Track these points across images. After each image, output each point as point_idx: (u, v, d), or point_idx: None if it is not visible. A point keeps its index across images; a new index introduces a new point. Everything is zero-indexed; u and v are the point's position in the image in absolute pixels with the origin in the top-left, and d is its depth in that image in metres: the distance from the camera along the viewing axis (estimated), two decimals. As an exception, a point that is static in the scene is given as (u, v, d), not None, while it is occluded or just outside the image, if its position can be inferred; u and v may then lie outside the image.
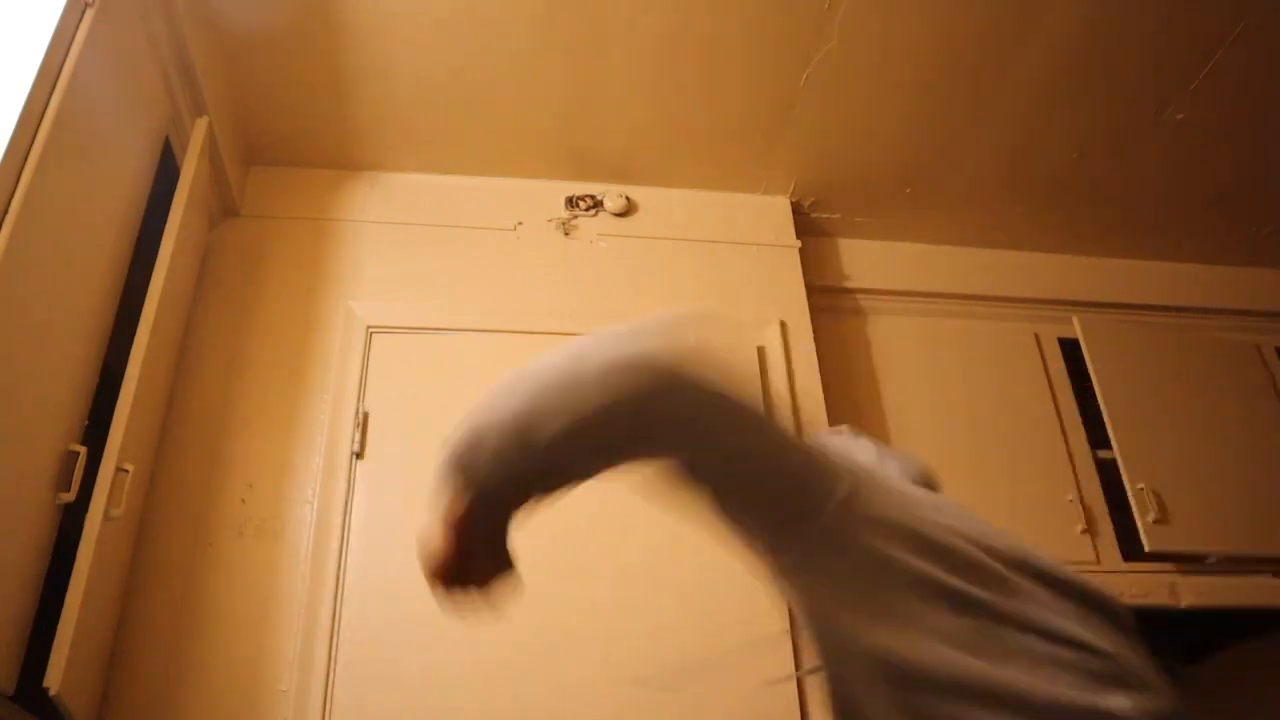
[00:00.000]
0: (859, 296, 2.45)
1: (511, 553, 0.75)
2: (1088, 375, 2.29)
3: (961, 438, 2.26)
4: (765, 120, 2.15)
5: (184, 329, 1.91)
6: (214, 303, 1.99)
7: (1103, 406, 2.24)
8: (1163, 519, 2.11)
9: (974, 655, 0.63)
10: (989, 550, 0.69)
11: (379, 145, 2.17)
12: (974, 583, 0.66)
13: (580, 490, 1.85)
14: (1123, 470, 2.15)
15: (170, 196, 1.72)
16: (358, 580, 1.71)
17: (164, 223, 1.69)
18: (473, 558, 0.74)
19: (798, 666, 1.74)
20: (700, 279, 2.20)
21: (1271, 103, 2.15)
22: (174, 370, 1.86)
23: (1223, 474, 2.26)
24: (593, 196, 2.27)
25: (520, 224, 2.21)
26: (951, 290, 2.49)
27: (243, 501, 1.78)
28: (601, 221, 2.26)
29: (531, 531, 1.90)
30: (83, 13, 1.42)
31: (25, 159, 1.26)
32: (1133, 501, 2.12)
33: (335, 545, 1.73)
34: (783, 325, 2.15)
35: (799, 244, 2.31)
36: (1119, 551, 2.18)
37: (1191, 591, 2.09)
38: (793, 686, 1.72)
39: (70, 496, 1.39)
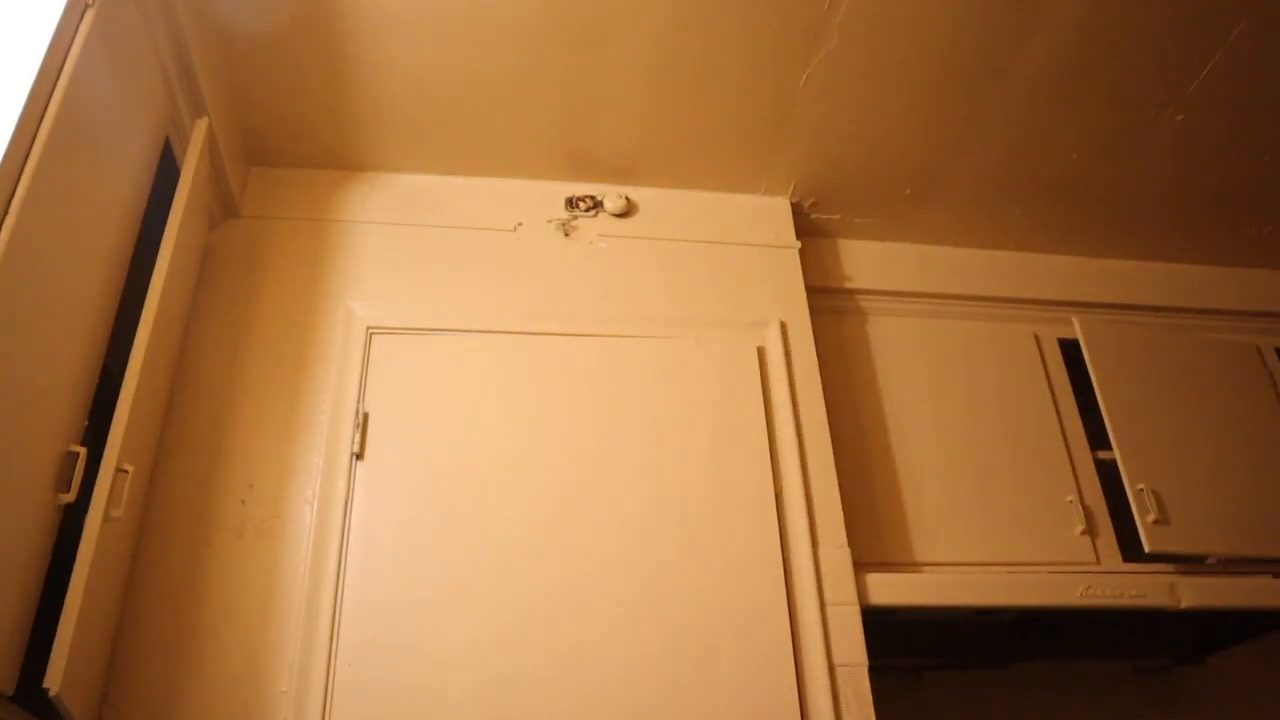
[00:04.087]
0: (859, 297, 2.45)
1: None
2: (1088, 375, 2.29)
3: (961, 439, 2.26)
4: (765, 121, 2.15)
5: (184, 329, 1.91)
6: (214, 303, 1.99)
7: (1103, 407, 2.24)
8: (1163, 519, 2.11)
9: None
10: None
11: (379, 146, 2.17)
12: None
13: (585, 506, 1.85)
14: (1123, 470, 2.15)
15: (170, 197, 1.73)
16: (358, 581, 1.71)
17: (164, 223, 1.69)
18: None
19: (798, 665, 1.74)
20: (700, 280, 2.20)
21: (1271, 103, 2.15)
22: (174, 370, 1.86)
23: (1223, 474, 2.26)
24: (592, 197, 2.27)
25: (520, 224, 2.21)
26: (951, 291, 2.49)
27: (243, 502, 1.78)
28: (601, 222, 2.26)
29: (540, 548, 1.91)
30: (83, 13, 1.42)
31: (25, 159, 1.26)
32: (1133, 502, 2.12)
33: (335, 546, 1.73)
34: (783, 326, 2.16)
35: (799, 245, 2.31)
36: (1119, 552, 2.18)
37: (1191, 592, 2.09)
38: (793, 686, 1.72)
39: (70, 497, 1.39)
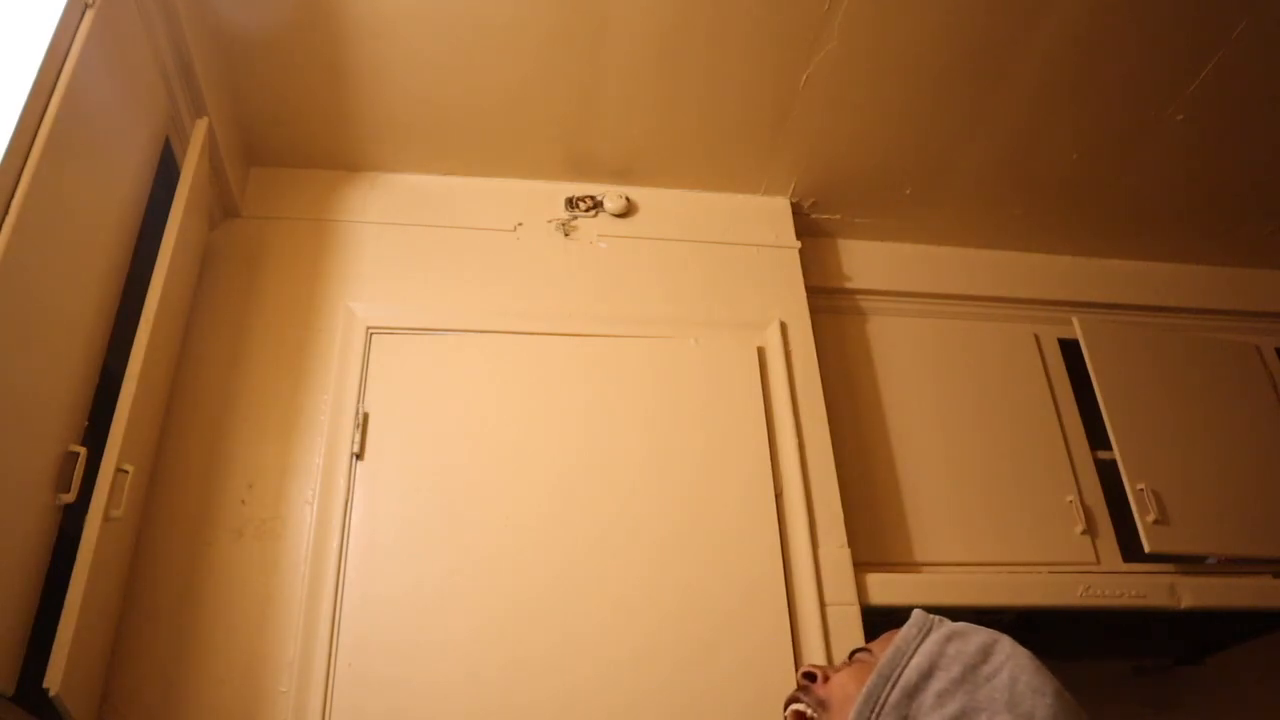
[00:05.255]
0: (859, 297, 2.45)
1: None
2: (1088, 375, 2.29)
3: (961, 438, 2.26)
4: (765, 121, 2.15)
5: (184, 329, 1.91)
6: (214, 303, 1.99)
7: (1103, 407, 2.24)
8: (1163, 519, 2.11)
9: None
10: None
11: (379, 145, 2.17)
12: None
13: (585, 505, 1.84)
14: (1123, 470, 2.15)
15: (170, 196, 1.72)
16: (358, 580, 1.71)
17: (164, 223, 1.69)
18: None
19: (798, 665, 1.74)
20: (700, 280, 2.20)
21: (1272, 103, 2.15)
22: (174, 370, 1.86)
23: (1223, 474, 2.26)
24: (593, 197, 2.27)
25: (520, 225, 2.21)
26: (951, 291, 2.49)
27: (243, 502, 1.78)
28: (601, 222, 2.26)
29: (541, 548, 1.90)
30: (83, 13, 1.42)
31: (25, 159, 1.26)
32: (1133, 502, 2.12)
33: (335, 546, 1.73)
34: (783, 325, 2.16)
35: (799, 244, 2.31)
36: (1119, 552, 2.18)
37: (1191, 592, 2.09)
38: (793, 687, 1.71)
39: (70, 497, 1.39)
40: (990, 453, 2.25)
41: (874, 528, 2.09)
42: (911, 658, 0.76)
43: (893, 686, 0.75)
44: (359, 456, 1.83)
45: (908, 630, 0.80)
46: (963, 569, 2.08)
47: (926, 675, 0.74)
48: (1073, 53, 1.99)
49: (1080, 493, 2.24)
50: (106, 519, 1.43)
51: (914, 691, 0.74)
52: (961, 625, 0.80)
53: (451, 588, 1.72)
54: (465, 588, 1.72)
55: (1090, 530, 2.19)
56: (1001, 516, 2.17)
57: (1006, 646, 0.76)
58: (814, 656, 1.75)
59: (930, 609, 0.86)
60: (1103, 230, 2.55)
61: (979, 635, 0.77)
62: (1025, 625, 2.18)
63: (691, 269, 2.21)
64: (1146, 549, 2.07)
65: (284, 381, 1.92)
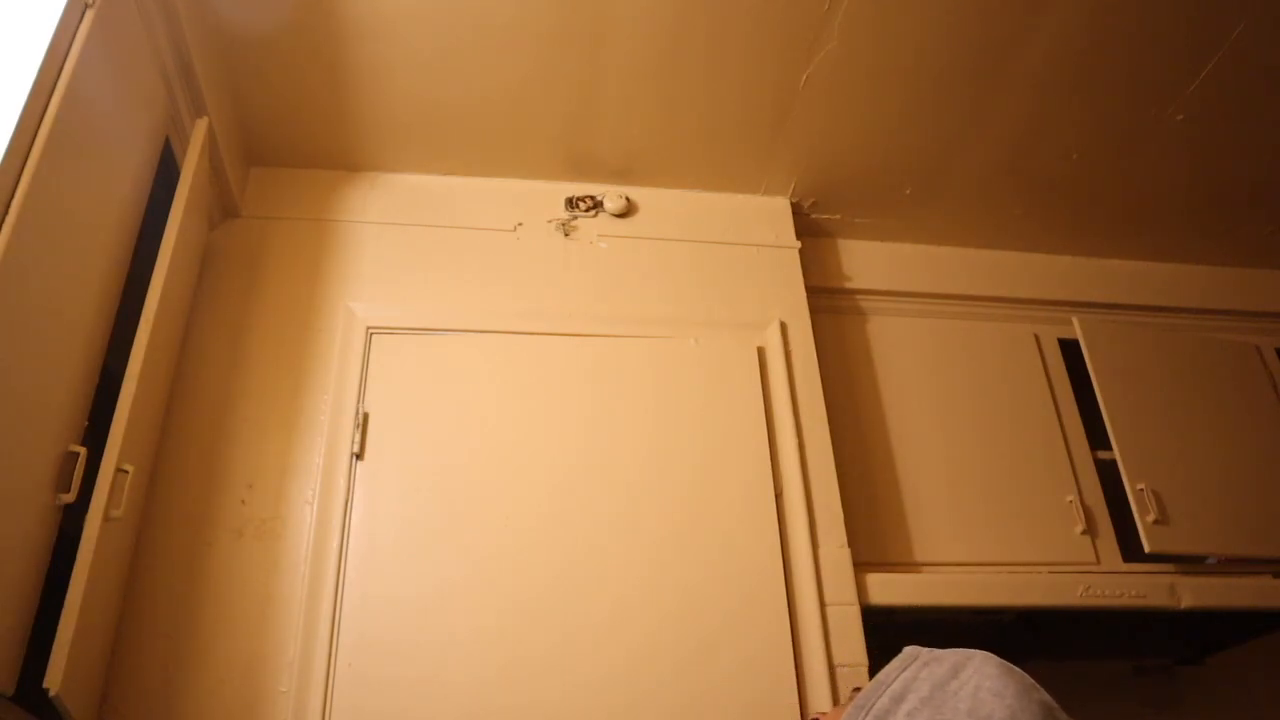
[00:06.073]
0: (859, 297, 2.45)
1: None
2: (1088, 375, 2.29)
3: (961, 438, 2.26)
4: (765, 121, 2.15)
5: (184, 329, 1.91)
6: (214, 303, 1.99)
7: (1103, 407, 2.24)
8: (1163, 519, 2.11)
9: None
10: None
11: (379, 145, 2.17)
12: None
13: (585, 505, 1.84)
14: (1123, 470, 2.15)
15: (170, 196, 1.72)
16: (358, 580, 1.71)
17: (164, 223, 1.69)
18: None
19: (798, 665, 1.74)
20: (700, 280, 2.20)
21: (1271, 103, 2.15)
22: (174, 370, 1.86)
23: (1223, 474, 2.26)
24: (592, 197, 2.27)
25: (520, 225, 2.21)
26: (951, 291, 2.49)
27: (243, 502, 1.78)
28: (601, 222, 2.26)
29: (540, 547, 1.91)
30: (83, 13, 1.42)
31: (25, 159, 1.26)
32: (1133, 502, 2.12)
33: (335, 545, 1.73)
34: (783, 325, 2.16)
35: (799, 244, 2.31)
36: (1119, 552, 2.18)
37: (1191, 592, 2.09)
38: (793, 687, 1.71)
39: (70, 497, 1.39)
40: (990, 453, 2.25)
41: (874, 528, 2.09)
42: (889, 687, 0.78)
43: (866, 713, 0.76)
44: (359, 456, 1.83)
45: (891, 664, 0.83)
46: (963, 569, 2.08)
47: (898, 700, 0.76)
48: (1073, 53, 2.00)
49: (1080, 493, 2.24)
50: (106, 519, 1.43)
51: (885, 717, 0.75)
52: (942, 651, 0.82)
53: (451, 588, 1.72)
54: (465, 588, 1.72)
55: (1090, 530, 2.19)
56: (1001, 516, 2.17)
57: (977, 661, 0.77)
58: (814, 656, 1.75)
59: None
60: (1103, 230, 2.55)
61: (953, 656, 0.79)
62: (1025, 625, 2.18)
63: (691, 269, 2.21)
64: (1146, 549, 2.07)
65: (284, 381, 1.92)
